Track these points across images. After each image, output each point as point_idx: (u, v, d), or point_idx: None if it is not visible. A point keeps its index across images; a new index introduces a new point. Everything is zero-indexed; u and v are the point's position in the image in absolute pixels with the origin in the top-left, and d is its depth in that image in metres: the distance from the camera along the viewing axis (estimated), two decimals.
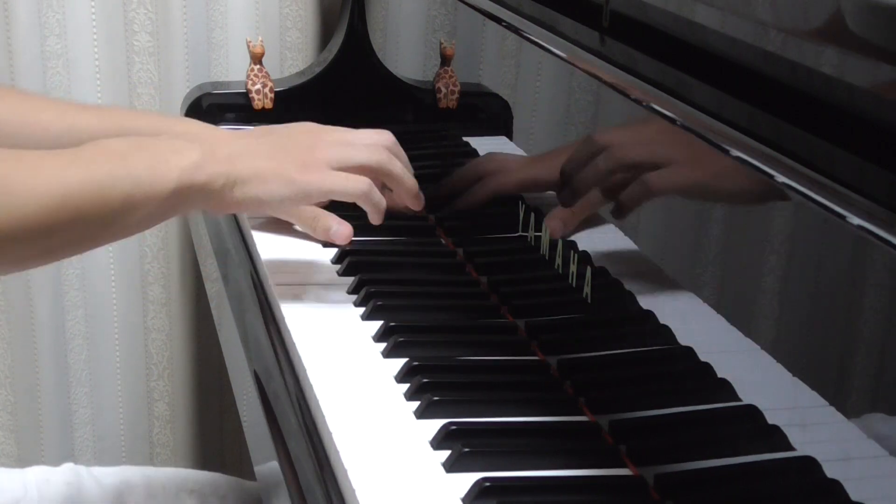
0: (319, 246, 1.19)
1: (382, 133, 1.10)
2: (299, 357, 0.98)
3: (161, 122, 1.18)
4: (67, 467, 1.18)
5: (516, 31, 1.17)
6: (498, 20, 1.20)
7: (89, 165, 0.91)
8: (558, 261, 1.03)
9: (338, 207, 1.13)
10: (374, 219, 1.07)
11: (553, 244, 1.04)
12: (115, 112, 1.20)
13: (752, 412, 0.77)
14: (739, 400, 0.79)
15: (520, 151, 1.18)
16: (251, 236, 1.21)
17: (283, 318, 1.05)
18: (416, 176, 1.39)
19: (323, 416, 0.89)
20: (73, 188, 0.88)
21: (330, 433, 0.86)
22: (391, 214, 1.31)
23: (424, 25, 1.45)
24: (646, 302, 0.91)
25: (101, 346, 1.80)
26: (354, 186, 1.03)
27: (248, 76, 1.58)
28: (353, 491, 0.79)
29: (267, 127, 1.13)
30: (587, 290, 0.98)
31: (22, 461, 1.78)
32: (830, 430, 0.70)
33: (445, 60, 1.38)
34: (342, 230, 1.12)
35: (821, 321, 0.73)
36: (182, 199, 0.95)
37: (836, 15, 0.76)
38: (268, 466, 0.92)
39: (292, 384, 0.97)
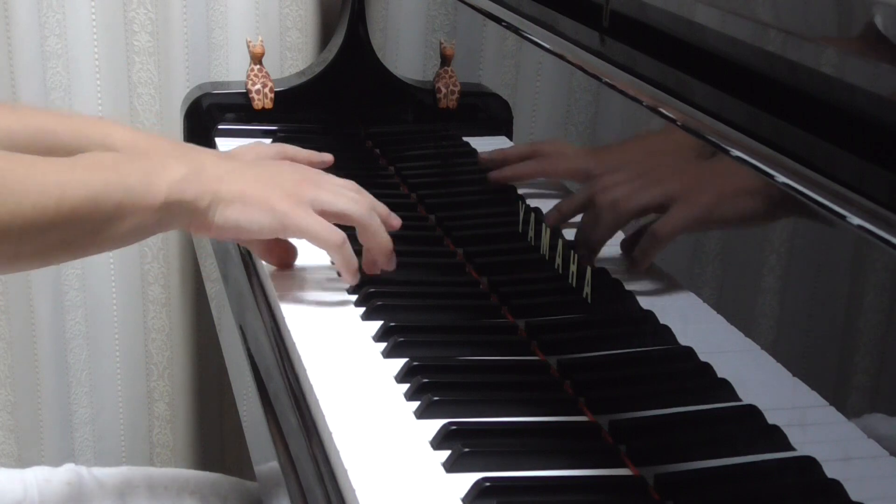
0: None
1: (363, 190, 1.10)
2: (299, 357, 0.98)
3: (82, 124, 1.20)
4: (68, 467, 1.18)
5: (516, 31, 1.17)
6: (498, 20, 1.20)
7: (85, 171, 0.93)
8: (558, 261, 1.03)
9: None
10: (347, 277, 1.07)
11: (553, 244, 1.04)
12: (35, 113, 1.22)
13: (752, 412, 0.77)
14: (739, 400, 0.79)
15: None
16: None
17: (283, 318, 1.05)
18: (416, 177, 1.39)
19: (323, 416, 0.89)
20: (69, 190, 0.91)
21: (330, 433, 0.86)
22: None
23: (424, 25, 1.45)
24: (646, 302, 0.91)
25: (101, 346, 1.80)
26: (330, 236, 1.02)
27: (248, 76, 1.58)
28: (353, 491, 0.79)
29: (254, 157, 1.19)
30: (587, 290, 0.98)
31: (22, 461, 1.78)
32: (830, 430, 0.70)
33: (445, 60, 1.38)
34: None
35: (821, 321, 0.73)
36: (169, 212, 0.97)
37: (836, 15, 0.76)
38: (268, 466, 0.92)
39: (292, 384, 0.97)
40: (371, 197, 1.09)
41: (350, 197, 1.06)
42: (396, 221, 1.10)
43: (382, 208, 1.10)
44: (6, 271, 1.00)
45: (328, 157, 1.32)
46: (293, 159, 1.27)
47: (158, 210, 0.96)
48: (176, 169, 0.97)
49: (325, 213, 1.03)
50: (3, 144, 1.17)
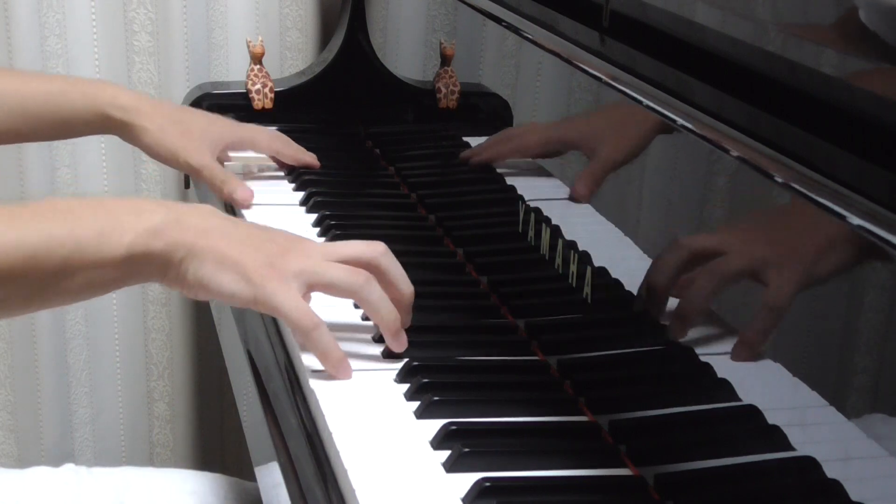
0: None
1: (373, 244, 0.95)
2: (299, 357, 0.98)
3: (91, 88, 1.20)
4: (67, 468, 1.18)
5: (516, 31, 1.17)
6: (498, 20, 1.20)
7: (28, 224, 0.85)
8: (558, 261, 1.03)
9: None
10: (323, 362, 0.93)
11: (553, 244, 1.04)
12: (46, 79, 1.21)
13: (752, 412, 0.77)
14: (739, 400, 0.79)
15: None
16: None
17: None
18: (415, 177, 1.39)
19: (323, 416, 0.89)
20: (5, 246, 0.83)
21: (330, 433, 0.86)
22: (386, 214, 1.31)
23: (424, 25, 1.45)
24: None
25: (101, 346, 1.80)
26: (301, 320, 0.90)
27: (248, 76, 1.58)
28: (353, 491, 0.79)
29: (265, 134, 1.26)
30: (587, 290, 0.98)
31: (22, 461, 1.78)
32: (830, 430, 0.70)
33: (445, 60, 1.38)
34: (244, 194, 1.23)
35: (821, 321, 0.72)
36: (134, 266, 0.87)
37: (836, 15, 0.76)
38: (268, 466, 0.92)
39: (292, 384, 0.97)
40: (376, 251, 0.95)
41: (343, 268, 0.93)
42: (407, 289, 0.96)
43: (396, 276, 0.96)
44: None
45: (314, 163, 1.38)
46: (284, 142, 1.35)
47: (120, 264, 0.86)
48: (148, 217, 0.87)
49: (313, 286, 0.92)
50: (16, 110, 1.17)
